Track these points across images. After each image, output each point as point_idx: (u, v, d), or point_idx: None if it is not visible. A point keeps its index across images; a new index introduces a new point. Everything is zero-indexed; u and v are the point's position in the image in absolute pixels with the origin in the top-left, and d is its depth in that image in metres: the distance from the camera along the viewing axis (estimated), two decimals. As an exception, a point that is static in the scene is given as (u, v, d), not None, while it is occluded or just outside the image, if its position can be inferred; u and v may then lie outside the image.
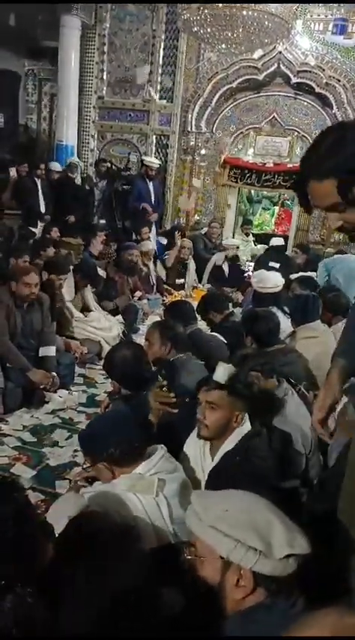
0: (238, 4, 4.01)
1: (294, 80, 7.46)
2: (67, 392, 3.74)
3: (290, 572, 0.98)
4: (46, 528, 1.18)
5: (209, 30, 4.25)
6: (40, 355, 3.62)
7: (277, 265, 6.38)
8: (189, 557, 1.03)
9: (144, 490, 1.55)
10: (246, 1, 4.02)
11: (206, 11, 4.05)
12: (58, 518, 1.66)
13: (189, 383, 2.26)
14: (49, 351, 3.68)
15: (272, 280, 3.89)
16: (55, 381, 3.54)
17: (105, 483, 1.65)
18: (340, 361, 1.40)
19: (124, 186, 7.77)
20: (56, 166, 7.47)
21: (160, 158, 8.26)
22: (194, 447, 1.99)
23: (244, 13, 4.02)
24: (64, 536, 1.14)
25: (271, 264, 6.52)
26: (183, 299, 4.75)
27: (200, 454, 1.96)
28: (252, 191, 9.91)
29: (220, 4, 4.18)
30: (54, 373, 3.57)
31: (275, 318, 2.92)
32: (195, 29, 4.39)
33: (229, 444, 1.91)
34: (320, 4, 7.11)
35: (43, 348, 3.68)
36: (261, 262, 6.80)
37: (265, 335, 2.81)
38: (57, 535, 1.25)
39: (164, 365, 2.23)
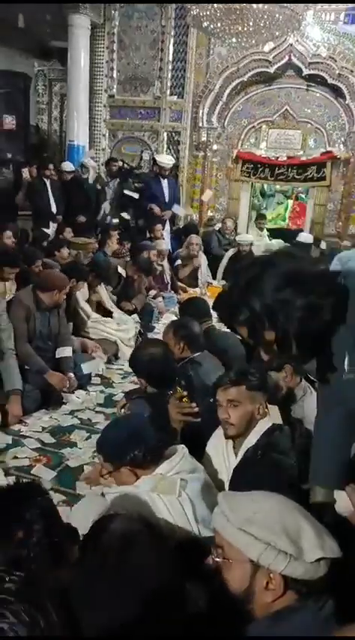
0: (248, -2, 3.98)
1: (306, 72, 7.39)
2: (85, 392, 3.76)
3: (321, 575, 0.97)
4: (70, 532, 1.19)
5: (219, 25, 4.22)
6: (56, 357, 3.65)
7: None
8: (217, 559, 1.03)
9: (167, 491, 1.55)
10: (248, 1, 3.99)
11: (216, 6, 4.03)
12: (81, 520, 1.67)
13: (206, 382, 2.25)
14: (66, 352, 3.70)
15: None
16: (72, 381, 3.57)
17: (130, 487, 1.65)
18: None
19: (136, 185, 7.78)
20: (68, 166, 7.49)
21: (172, 154, 8.24)
22: (216, 446, 1.99)
23: (254, 6, 3.98)
24: (89, 539, 1.15)
25: None
26: (197, 296, 4.73)
27: (223, 453, 1.95)
28: (265, 185, 9.84)
29: (229, -2, 4.16)
30: (71, 374, 3.60)
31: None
32: (205, 24, 4.36)
33: (252, 438, 1.91)
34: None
35: (59, 348, 3.71)
36: None
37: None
38: (81, 538, 1.26)
39: (181, 373, 2.21)
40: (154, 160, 7.77)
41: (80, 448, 2.97)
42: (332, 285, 1.23)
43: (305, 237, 7.04)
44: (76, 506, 2.03)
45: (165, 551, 1.19)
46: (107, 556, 1.05)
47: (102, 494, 1.78)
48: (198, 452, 2.13)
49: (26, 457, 2.81)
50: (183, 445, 1.76)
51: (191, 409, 2.09)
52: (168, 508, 1.54)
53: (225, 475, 1.90)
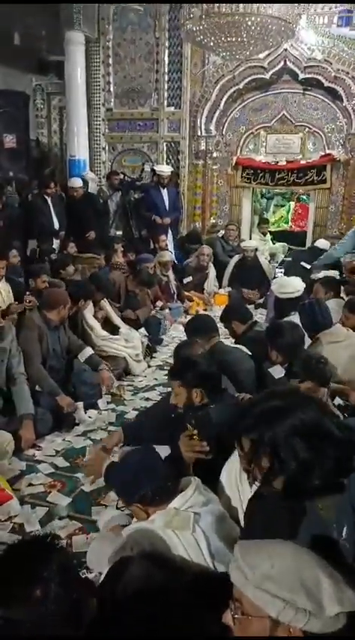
0: (241, 10, 3.97)
1: (302, 76, 7.37)
2: (96, 411, 3.77)
3: (340, 627, 0.97)
4: (87, 584, 1.19)
5: (212, 39, 4.22)
6: (81, 360, 3.86)
7: (308, 265, 6.32)
8: (236, 615, 1.02)
9: (181, 526, 1.55)
10: (248, 1, 3.95)
11: (209, 21, 4.03)
12: (98, 559, 1.67)
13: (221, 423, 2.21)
14: (87, 352, 3.92)
15: (292, 285, 3.85)
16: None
17: (145, 522, 1.65)
18: None
19: (135, 196, 7.79)
20: (77, 183, 7.46)
21: (172, 164, 8.26)
22: (229, 475, 1.97)
23: (246, 19, 3.98)
24: (105, 590, 1.15)
25: (302, 264, 6.46)
26: (202, 313, 4.67)
27: (237, 482, 1.93)
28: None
29: (223, 10, 4.15)
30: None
31: (300, 330, 2.89)
32: (199, 39, 4.37)
33: None
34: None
35: (80, 354, 3.88)
36: (292, 260, 6.70)
37: (290, 348, 2.77)
38: (99, 584, 1.26)
39: (194, 415, 2.19)
40: (153, 170, 7.80)
41: (94, 471, 2.97)
42: (344, 451, 1.22)
43: (322, 243, 6.97)
44: (91, 545, 2.03)
45: (180, 594, 1.19)
46: (124, 609, 1.05)
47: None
48: (212, 479, 2.13)
49: (41, 484, 2.82)
50: (195, 477, 1.75)
51: (202, 447, 2.07)
52: (183, 544, 1.54)
53: (239, 503, 1.88)
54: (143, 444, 1.90)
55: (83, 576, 1.32)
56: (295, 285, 3.98)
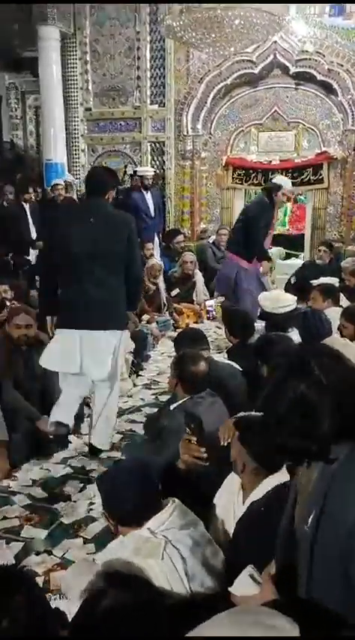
0: (222, 5, 4.10)
1: (293, 70, 7.55)
2: (76, 436, 3.79)
3: None
4: (58, 617, 1.23)
5: (194, 34, 4.35)
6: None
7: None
8: None
9: (150, 554, 1.60)
10: (240, 1, 4.10)
11: (189, 16, 4.15)
12: (72, 591, 1.72)
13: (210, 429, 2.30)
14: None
15: (285, 298, 3.92)
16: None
17: (116, 545, 1.71)
18: None
19: (119, 198, 7.86)
20: (59, 182, 7.48)
21: (157, 166, 8.39)
22: (227, 497, 2.04)
23: (229, 13, 4.10)
24: (79, 623, 1.19)
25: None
26: (191, 327, 4.73)
27: (234, 503, 1.99)
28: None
29: (204, 5, 4.28)
30: None
31: (292, 343, 2.95)
32: (180, 34, 4.49)
33: (258, 492, 1.91)
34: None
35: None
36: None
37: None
38: (72, 618, 1.30)
39: (189, 417, 2.29)
40: (134, 173, 7.92)
41: (74, 501, 3.01)
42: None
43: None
44: (66, 574, 2.07)
45: (157, 622, 1.24)
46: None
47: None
48: (205, 495, 2.18)
49: (16, 517, 2.84)
50: (175, 499, 1.81)
51: (199, 453, 2.16)
52: (164, 572, 1.59)
53: (232, 520, 1.94)
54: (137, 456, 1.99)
55: (54, 607, 1.36)
56: (288, 298, 4.05)
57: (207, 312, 5.53)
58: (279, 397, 1.21)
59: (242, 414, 2.29)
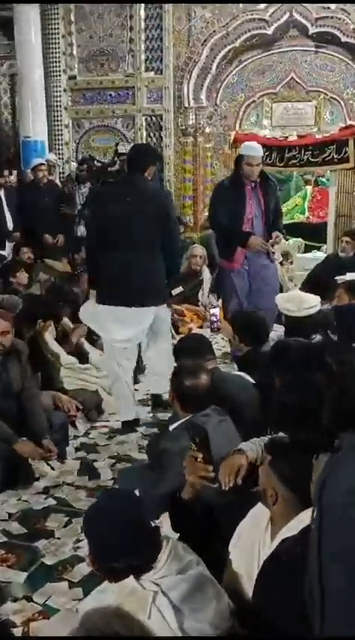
0: None
1: (313, 30, 7.58)
2: (60, 462, 3.79)
3: None
4: None
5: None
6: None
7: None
8: None
9: (135, 609, 1.59)
10: (241, 1, 4.10)
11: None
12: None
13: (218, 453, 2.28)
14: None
15: (310, 298, 3.92)
16: (51, 448, 3.60)
17: (99, 593, 1.71)
18: None
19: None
20: (41, 162, 7.43)
21: (154, 144, 8.40)
22: (250, 533, 1.99)
23: None
24: None
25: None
26: (195, 332, 4.67)
27: (259, 542, 1.94)
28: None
29: None
30: (47, 439, 3.63)
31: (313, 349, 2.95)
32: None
33: (293, 525, 1.85)
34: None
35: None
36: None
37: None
38: None
39: (193, 429, 2.27)
40: (121, 154, 7.87)
41: (58, 538, 3.00)
42: None
43: None
44: (48, 624, 2.06)
45: None
46: None
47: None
48: (215, 535, 2.17)
49: (-11, 557, 2.85)
50: (168, 539, 1.80)
51: (207, 472, 2.14)
52: (149, 622, 1.60)
53: (256, 566, 1.88)
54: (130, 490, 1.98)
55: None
56: (311, 298, 4.04)
57: (211, 322, 5.25)
58: (292, 384, 1.48)
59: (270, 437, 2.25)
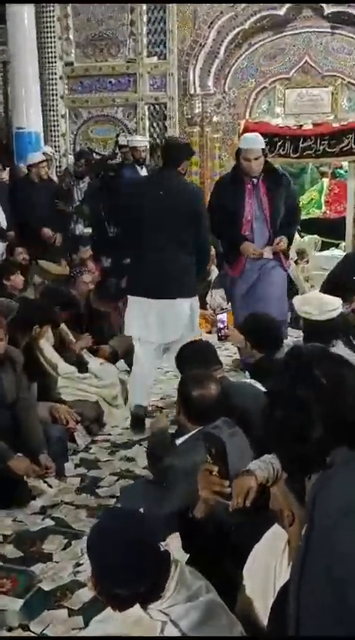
0: None
1: (328, 10, 7.58)
2: (59, 479, 3.80)
3: None
4: None
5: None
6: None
7: None
8: None
9: None
10: (242, 1, 4.09)
11: None
12: None
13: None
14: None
15: (326, 302, 3.91)
16: (48, 464, 3.62)
17: (100, 623, 1.71)
18: None
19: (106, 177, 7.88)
20: (38, 158, 7.43)
21: (157, 134, 8.42)
22: (266, 556, 1.99)
23: None
24: None
25: None
26: (199, 340, 4.56)
27: (275, 566, 1.94)
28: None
29: None
30: (45, 454, 3.64)
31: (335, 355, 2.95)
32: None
33: None
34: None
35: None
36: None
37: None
38: None
39: (209, 440, 2.26)
40: (122, 145, 7.88)
41: (57, 562, 3.00)
42: None
43: None
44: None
45: None
46: None
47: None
48: (223, 557, 2.17)
49: (-17, 583, 2.85)
50: (177, 563, 1.79)
51: (222, 488, 2.13)
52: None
53: (271, 591, 1.89)
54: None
55: None
56: (333, 300, 4.02)
57: (219, 330, 4.95)
58: (278, 400, 1.44)
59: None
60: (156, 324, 4.38)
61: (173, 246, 4.26)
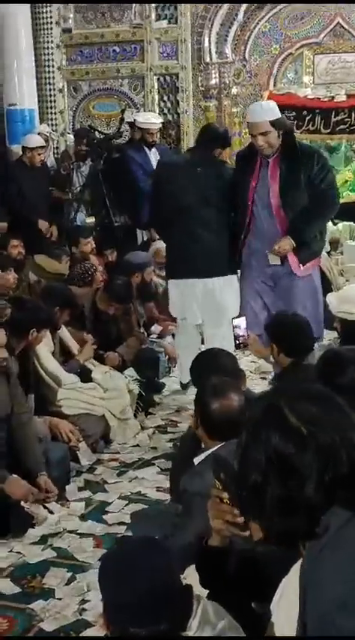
0: None
1: None
2: (61, 504, 3.82)
3: None
4: None
5: None
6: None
7: None
8: None
9: None
10: (247, 1, 4.10)
11: None
12: None
13: None
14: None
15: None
16: (49, 487, 3.63)
17: None
18: None
19: (115, 155, 7.85)
20: (36, 141, 7.42)
21: (168, 110, 8.42)
22: (296, 590, 2.00)
23: None
24: None
25: None
26: (216, 347, 4.43)
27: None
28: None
29: None
30: (44, 475, 3.66)
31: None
32: None
33: None
34: None
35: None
36: None
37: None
38: None
39: (216, 463, 2.25)
40: (131, 123, 7.80)
41: (59, 598, 3.00)
42: None
43: None
44: None
45: None
46: None
47: None
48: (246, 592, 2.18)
49: (-23, 623, 2.87)
50: (199, 599, 1.80)
51: (234, 517, 2.11)
52: None
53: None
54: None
55: None
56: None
57: (235, 336, 4.68)
58: (251, 457, 1.30)
59: None
60: (200, 308, 4.97)
61: (212, 222, 4.78)
